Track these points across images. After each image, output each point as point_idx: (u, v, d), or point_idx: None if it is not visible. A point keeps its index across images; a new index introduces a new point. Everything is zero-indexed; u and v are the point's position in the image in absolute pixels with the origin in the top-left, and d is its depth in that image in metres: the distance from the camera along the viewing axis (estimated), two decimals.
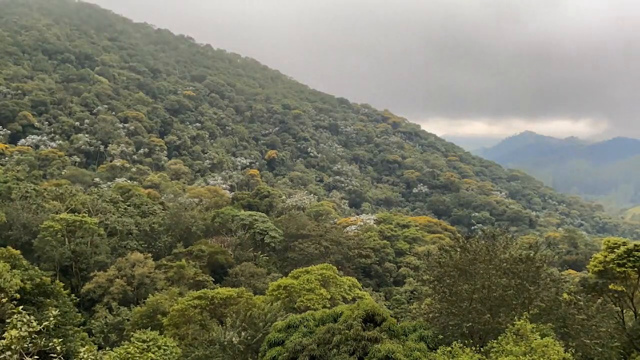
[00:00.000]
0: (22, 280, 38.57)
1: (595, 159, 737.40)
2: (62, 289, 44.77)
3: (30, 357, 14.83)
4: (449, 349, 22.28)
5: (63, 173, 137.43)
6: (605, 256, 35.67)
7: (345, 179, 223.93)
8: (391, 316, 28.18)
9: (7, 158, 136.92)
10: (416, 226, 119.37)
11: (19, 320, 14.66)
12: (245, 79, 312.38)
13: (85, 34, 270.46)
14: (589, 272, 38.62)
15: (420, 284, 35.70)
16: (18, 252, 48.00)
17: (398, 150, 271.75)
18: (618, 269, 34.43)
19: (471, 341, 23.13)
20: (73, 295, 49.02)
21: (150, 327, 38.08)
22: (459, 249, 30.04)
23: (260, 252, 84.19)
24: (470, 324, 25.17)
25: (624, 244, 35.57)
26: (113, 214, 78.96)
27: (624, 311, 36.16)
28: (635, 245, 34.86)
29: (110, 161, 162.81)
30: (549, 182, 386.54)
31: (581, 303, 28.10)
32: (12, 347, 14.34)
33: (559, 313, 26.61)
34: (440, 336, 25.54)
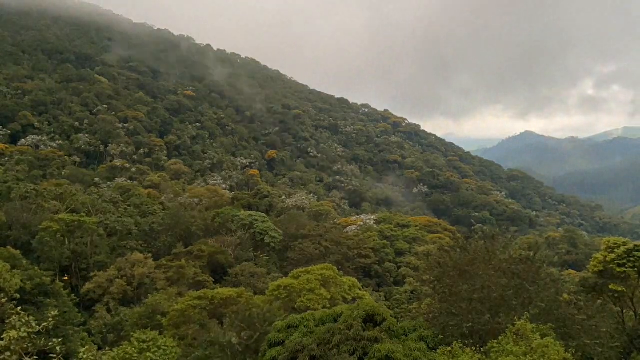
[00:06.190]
0: (22, 280, 38.61)
1: (595, 159, 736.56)
2: (62, 289, 44.85)
3: (30, 357, 14.80)
4: (449, 349, 22.25)
5: (63, 173, 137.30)
6: (605, 256, 35.65)
7: (345, 179, 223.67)
8: (391, 316, 28.13)
9: (7, 158, 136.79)
10: (416, 226, 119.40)
11: (19, 321, 14.63)
12: (245, 79, 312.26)
13: (86, 34, 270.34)
14: (589, 272, 38.60)
15: (420, 284, 35.69)
16: (18, 252, 48.10)
17: (398, 150, 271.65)
18: (618, 269, 34.42)
19: (471, 341, 23.06)
20: (73, 295, 49.10)
21: (149, 328, 38.06)
22: (458, 249, 30.01)
23: (260, 252, 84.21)
24: (470, 324, 25.12)
25: (624, 244, 35.54)
26: (113, 214, 79.03)
27: (624, 311, 36.15)
28: (635, 245, 34.86)
29: (110, 161, 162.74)
30: (549, 182, 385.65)
31: (581, 303, 28.07)
32: (12, 347, 14.31)
33: (559, 313, 26.55)
34: (440, 336, 25.50)
